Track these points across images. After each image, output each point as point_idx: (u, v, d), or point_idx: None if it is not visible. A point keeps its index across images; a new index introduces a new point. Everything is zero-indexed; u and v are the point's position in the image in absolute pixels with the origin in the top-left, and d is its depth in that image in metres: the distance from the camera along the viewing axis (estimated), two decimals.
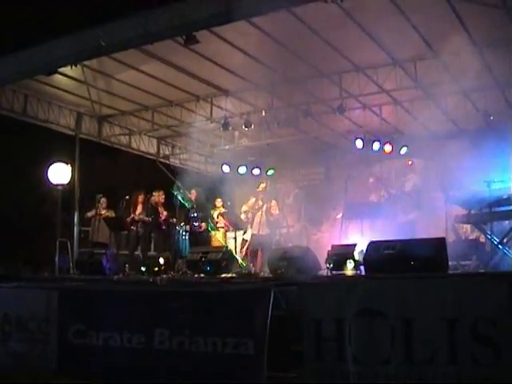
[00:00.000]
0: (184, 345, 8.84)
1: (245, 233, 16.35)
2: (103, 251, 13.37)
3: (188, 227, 15.95)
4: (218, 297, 9.05)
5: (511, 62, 13.64)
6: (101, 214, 16.57)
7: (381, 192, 15.34)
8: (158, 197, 16.26)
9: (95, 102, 17.25)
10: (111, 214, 16.70)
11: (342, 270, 9.91)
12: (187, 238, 15.89)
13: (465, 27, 12.53)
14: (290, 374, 8.21)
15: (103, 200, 16.93)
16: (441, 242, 8.82)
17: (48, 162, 16.75)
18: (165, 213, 16.14)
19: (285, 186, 17.43)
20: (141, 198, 16.18)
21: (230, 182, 21.01)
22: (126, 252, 16.15)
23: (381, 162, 19.32)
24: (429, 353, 6.99)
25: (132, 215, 15.94)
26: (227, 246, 14.53)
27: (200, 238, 15.99)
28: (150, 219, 15.98)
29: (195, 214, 16.12)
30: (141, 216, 16.00)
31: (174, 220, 15.74)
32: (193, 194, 16.60)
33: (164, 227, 16.15)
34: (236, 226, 15.83)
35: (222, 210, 17.11)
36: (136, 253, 16.22)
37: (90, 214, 17.07)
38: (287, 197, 17.02)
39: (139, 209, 16.14)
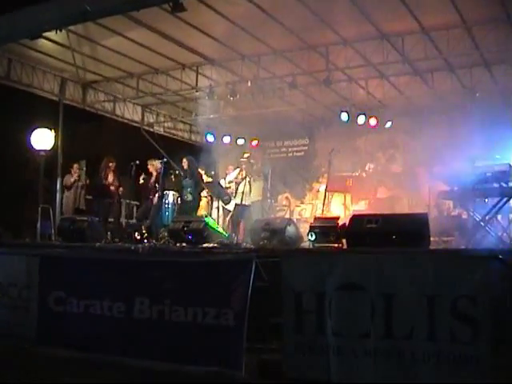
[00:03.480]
0: (164, 314, 8.84)
1: (227, 203, 16.30)
2: (85, 218, 13.32)
3: (172, 196, 15.93)
4: (200, 266, 9.03)
5: (498, 41, 13.64)
6: (81, 181, 16.57)
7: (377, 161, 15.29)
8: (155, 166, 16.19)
9: (80, 68, 17.10)
10: (90, 180, 16.69)
11: (325, 242, 9.91)
12: (170, 206, 15.87)
13: (454, 3, 12.49)
14: (270, 345, 8.24)
15: (76, 166, 16.85)
16: (423, 218, 8.87)
17: (31, 128, 16.62)
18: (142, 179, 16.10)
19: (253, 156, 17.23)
20: (112, 165, 16.06)
21: (213, 151, 21.01)
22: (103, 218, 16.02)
23: (366, 135, 19.35)
24: (408, 328, 7.03)
25: (104, 182, 15.86)
26: (207, 215, 14.52)
27: (187, 208, 15.94)
28: (120, 188, 15.94)
29: (187, 183, 16.11)
30: (113, 183, 15.92)
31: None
32: (184, 163, 16.54)
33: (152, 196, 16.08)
34: (220, 195, 15.81)
35: (207, 179, 17.08)
36: (110, 220, 16.18)
37: (72, 180, 16.96)
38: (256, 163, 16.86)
39: (111, 176, 16.04)
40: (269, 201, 16.75)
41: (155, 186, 15.71)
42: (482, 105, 15.64)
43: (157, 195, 15.60)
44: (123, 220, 16.93)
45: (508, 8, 12.61)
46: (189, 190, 15.99)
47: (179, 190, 16.04)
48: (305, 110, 20.15)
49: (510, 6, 12.48)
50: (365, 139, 19.67)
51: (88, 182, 16.79)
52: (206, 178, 17.03)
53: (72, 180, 16.82)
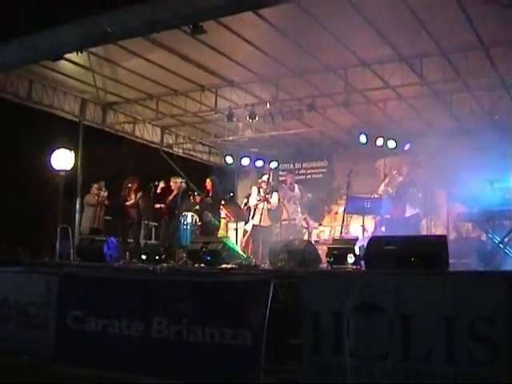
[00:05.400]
0: (182, 334, 8.85)
1: (246, 223, 16.32)
2: (104, 238, 13.39)
3: (191, 217, 15.99)
4: (218, 287, 9.05)
5: None
6: (101, 201, 16.72)
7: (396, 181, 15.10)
8: (176, 184, 16.30)
9: (100, 89, 17.19)
10: (109, 200, 16.87)
11: (343, 264, 9.90)
12: (189, 227, 15.91)
13: (472, 26, 12.50)
14: (288, 366, 8.23)
15: (95, 186, 17.02)
16: (442, 240, 8.85)
17: (51, 148, 16.77)
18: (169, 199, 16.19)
19: (288, 178, 17.18)
20: (133, 185, 16.18)
21: (232, 173, 21.12)
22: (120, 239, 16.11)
23: (384, 157, 19.34)
24: (426, 350, 7.00)
25: (126, 202, 15.97)
26: (228, 237, 14.55)
27: (207, 229, 15.99)
28: (142, 206, 16.02)
29: (208, 203, 16.19)
30: (135, 203, 16.02)
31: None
32: (208, 184, 16.61)
33: (166, 215, 16.15)
34: (238, 216, 15.83)
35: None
36: (129, 240, 16.24)
37: (92, 201, 17.11)
38: (292, 189, 16.81)
39: (132, 196, 16.15)
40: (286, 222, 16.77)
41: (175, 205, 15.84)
42: (501, 126, 15.60)
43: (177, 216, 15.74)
44: (142, 241, 16.91)
45: None
46: (210, 210, 16.11)
47: (198, 211, 16.12)
48: (323, 132, 20.17)
49: None
50: (383, 161, 19.66)
51: (106, 202, 16.92)
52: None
53: (95, 200, 17.00)
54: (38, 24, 13.62)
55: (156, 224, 18.26)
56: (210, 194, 16.29)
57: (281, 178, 20.51)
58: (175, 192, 16.20)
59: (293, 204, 15.76)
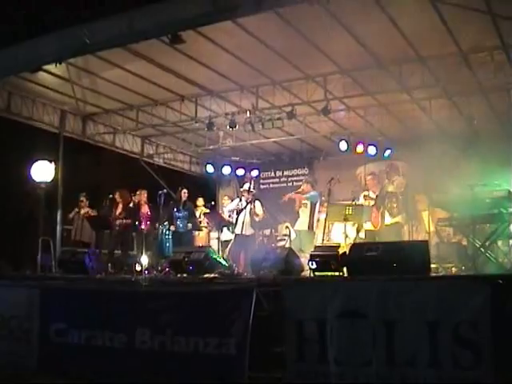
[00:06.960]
0: (166, 345, 8.84)
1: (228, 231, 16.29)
2: (86, 250, 13.31)
3: (172, 227, 15.96)
4: (201, 297, 9.05)
5: (495, 67, 13.73)
6: (84, 213, 16.62)
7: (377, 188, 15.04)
8: (141, 196, 16.20)
9: (80, 100, 17.17)
10: (93, 212, 16.73)
11: (325, 271, 9.89)
12: (170, 237, 15.87)
13: (450, 32, 12.57)
14: (273, 374, 8.21)
15: (83, 198, 16.94)
16: (423, 245, 8.87)
17: (31, 160, 16.64)
18: (147, 212, 16.06)
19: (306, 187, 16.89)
20: (118, 196, 16.09)
21: (213, 182, 21.09)
22: (107, 251, 16.03)
23: (365, 164, 19.37)
24: (410, 355, 7.03)
25: (113, 214, 15.88)
26: (210, 246, 14.52)
27: (183, 238, 15.96)
28: (128, 220, 15.89)
29: (180, 214, 16.14)
30: (120, 215, 15.92)
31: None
32: (184, 194, 16.56)
33: (145, 227, 16.03)
34: (219, 226, 15.80)
35: (204, 209, 17.11)
36: (117, 252, 16.14)
37: (71, 215, 17.09)
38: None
39: (119, 208, 16.06)
40: (268, 230, 16.78)
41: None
42: (480, 131, 15.69)
43: (158, 226, 15.68)
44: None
45: (503, 35, 12.71)
46: (185, 221, 16.07)
47: (172, 221, 16.10)
48: (304, 139, 20.20)
49: (504, 33, 12.57)
50: (364, 168, 19.68)
51: (93, 214, 16.83)
52: (203, 208, 17.09)
53: (71, 215, 16.97)
54: (17, 35, 13.54)
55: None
56: (185, 204, 16.32)
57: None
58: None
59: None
